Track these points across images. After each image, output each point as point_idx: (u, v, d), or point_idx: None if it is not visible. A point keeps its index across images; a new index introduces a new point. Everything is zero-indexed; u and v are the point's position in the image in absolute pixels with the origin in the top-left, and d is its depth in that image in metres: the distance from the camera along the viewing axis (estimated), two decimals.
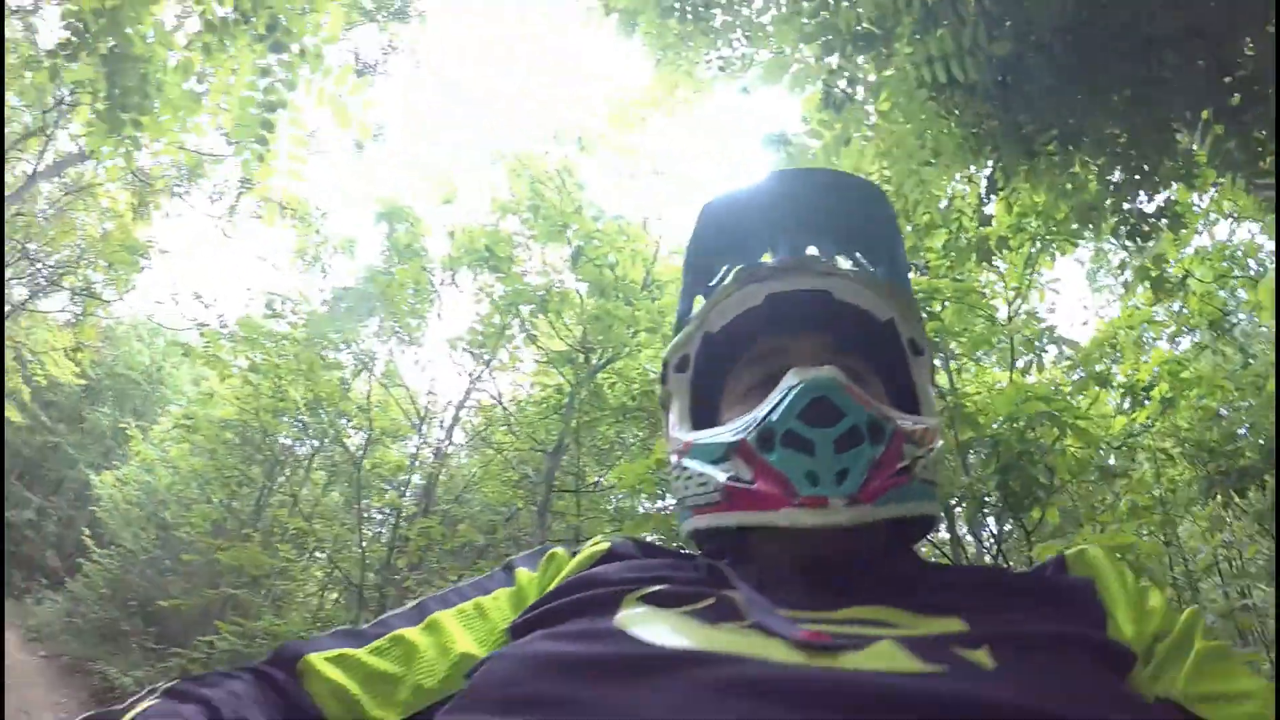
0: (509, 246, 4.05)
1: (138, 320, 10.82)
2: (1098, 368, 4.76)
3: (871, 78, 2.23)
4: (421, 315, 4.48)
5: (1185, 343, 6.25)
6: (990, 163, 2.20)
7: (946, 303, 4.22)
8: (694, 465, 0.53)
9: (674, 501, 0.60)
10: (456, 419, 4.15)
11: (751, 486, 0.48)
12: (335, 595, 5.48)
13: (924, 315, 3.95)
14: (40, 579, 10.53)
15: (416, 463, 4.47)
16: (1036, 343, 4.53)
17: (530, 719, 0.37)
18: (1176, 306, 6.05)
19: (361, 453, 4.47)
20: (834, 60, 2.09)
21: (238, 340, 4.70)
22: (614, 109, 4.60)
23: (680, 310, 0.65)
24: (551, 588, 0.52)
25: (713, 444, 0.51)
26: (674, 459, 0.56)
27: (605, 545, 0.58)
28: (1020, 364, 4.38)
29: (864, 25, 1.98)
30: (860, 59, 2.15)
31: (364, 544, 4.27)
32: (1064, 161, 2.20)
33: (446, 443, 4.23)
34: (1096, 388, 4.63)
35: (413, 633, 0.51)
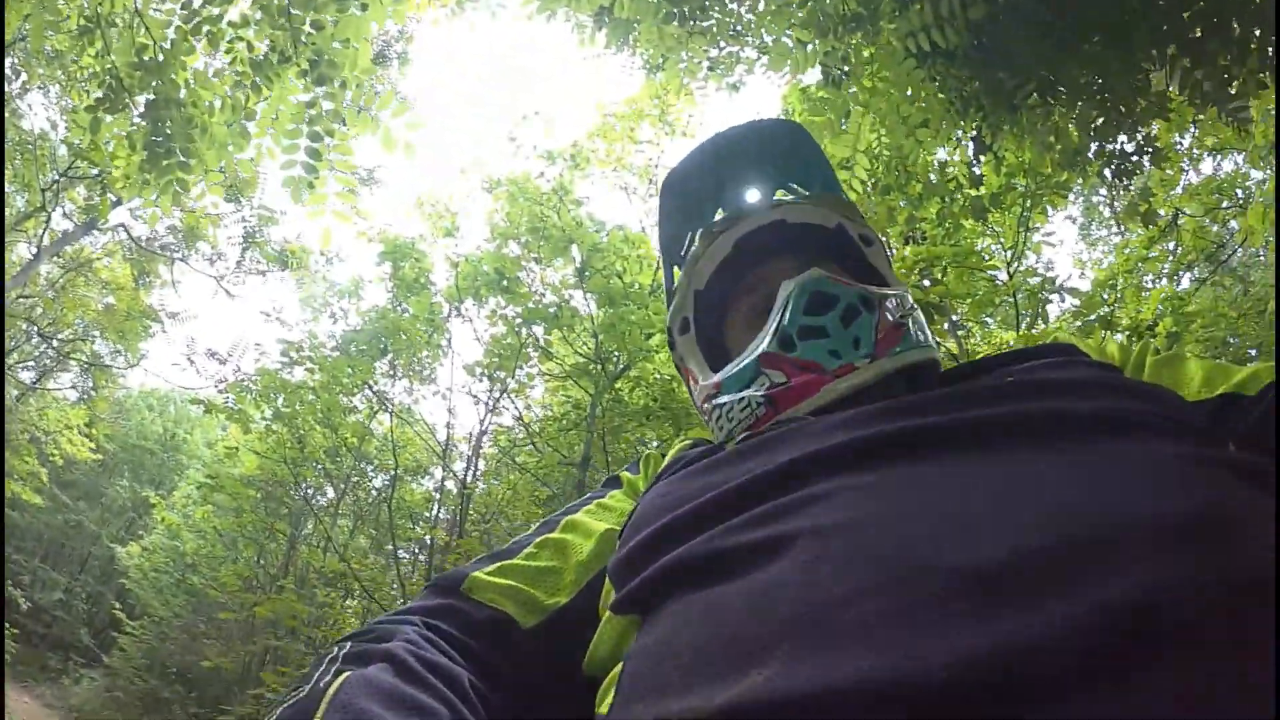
0: (516, 267, 4.10)
1: (146, 390, 10.86)
2: (1101, 312, 4.80)
3: (863, 53, 2.32)
4: (436, 347, 4.52)
5: (1184, 281, 6.31)
6: (976, 124, 2.28)
7: (948, 268, 4.27)
8: (729, 398, 0.58)
9: None
10: (479, 446, 4.19)
11: (789, 384, 0.54)
12: None
13: (926, 282, 3.99)
14: (75, 658, 10.48)
15: (441, 495, 4.49)
16: (1040, 295, 4.58)
17: (688, 505, 0.43)
18: (1171, 246, 6.11)
19: (390, 490, 4.49)
20: (830, 43, 2.18)
21: (257, 392, 4.73)
22: (603, 124, 4.69)
23: (667, 285, 0.73)
24: (656, 475, 0.57)
25: (740, 370, 0.58)
26: (708, 406, 0.61)
27: (688, 441, 0.64)
28: (1025, 321, 4.43)
29: (849, 7, 2.07)
30: (850, 40, 2.23)
31: (400, 580, 4.28)
32: (1045, 112, 2.27)
33: (471, 471, 4.26)
34: (1103, 332, 4.67)
35: (555, 535, 0.55)
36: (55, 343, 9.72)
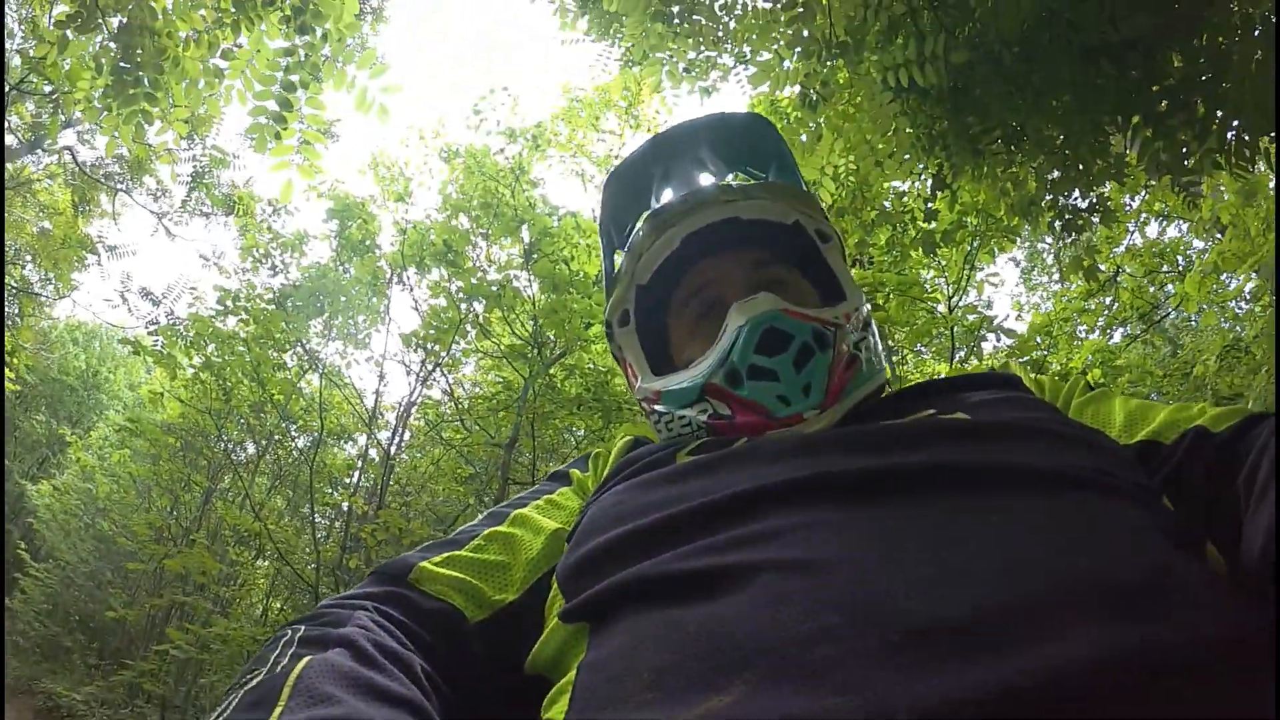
0: (465, 241, 4.03)
1: (74, 323, 10.33)
2: (1035, 355, 5.00)
3: (841, 78, 2.37)
4: (374, 312, 4.41)
5: (1117, 335, 6.61)
6: (939, 162, 2.34)
7: (890, 296, 4.37)
8: (671, 409, 0.57)
9: None
10: (406, 416, 4.12)
11: (733, 419, 0.53)
12: (285, 597, 5.35)
13: (870, 305, 4.10)
14: None
15: (364, 463, 4.40)
16: (977, 332, 4.73)
17: (642, 520, 0.43)
18: (1108, 301, 6.38)
19: (312, 453, 4.38)
20: (811, 65, 2.22)
21: (188, 338, 4.54)
22: (569, 108, 4.65)
23: (606, 269, 0.70)
24: (605, 475, 0.57)
25: (682, 389, 0.56)
26: (648, 407, 0.60)
27: (630, 436, 0.63)
28: (959, 355, 4.57)
29: (837, 34, 2.11)
30: (830, 64, 2.28)
31: (315, 545, 4.19)
32: (1006, 160, 2.35)
33: (396, 441, 4.19)
34: (1033, 375, 4.85)
35: (503, 529, 0.54)
36: None
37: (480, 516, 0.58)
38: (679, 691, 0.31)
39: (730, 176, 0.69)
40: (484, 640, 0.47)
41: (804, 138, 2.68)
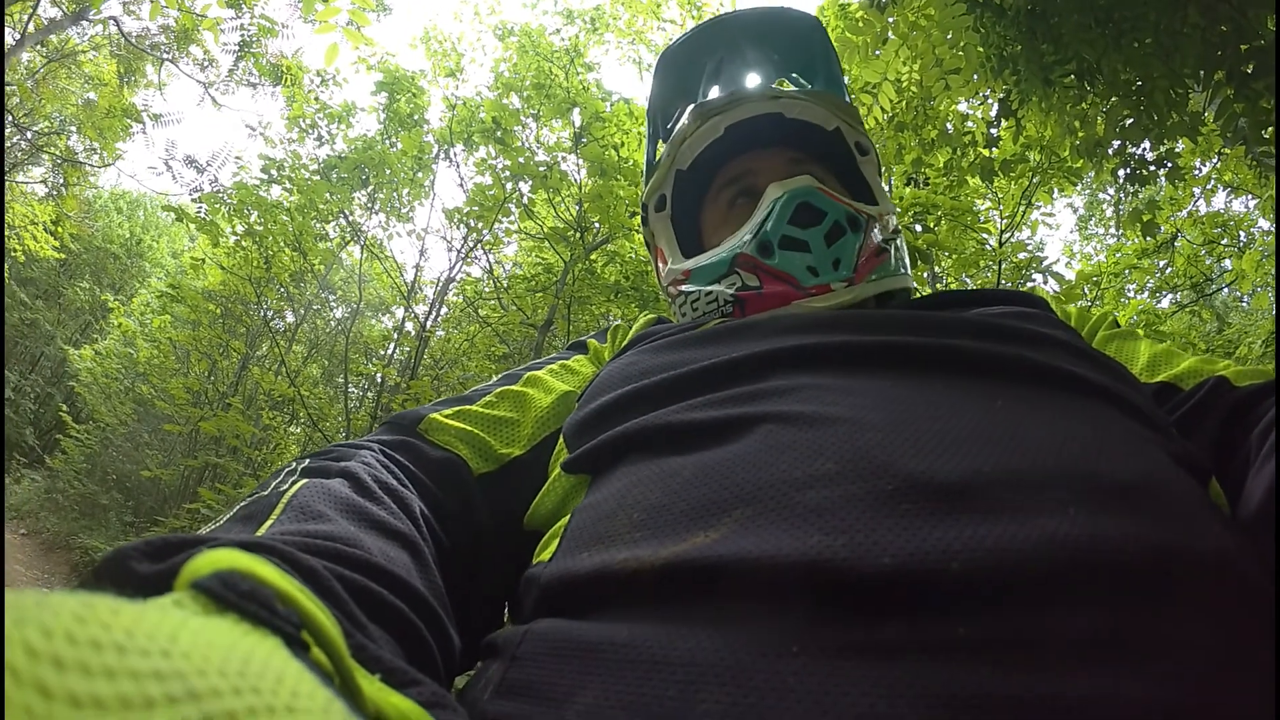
0: (515, 120, 3.97)
1: (117, 192, 10.47)
2: (1079, 304, 4.88)
3: None
4: (419, 186, 4.41)
5: (1165, 301, 6.42)
6: (1007, 87, 2.23)
7: (942, 220, 4.26)
8: (698, 287, 0.57)
9: None
10: (444, 292, 4.16)
11: (760, 290, 0.53)
12: None
13: (918, 227, 3.99)
14: (18, 457, 10.55)
15: (399, 335, 4.49)
16: (1025, 270, 4.61)
17: (651, 378, 0.44)
18: (1162, 265, 6.17)
19: (349, 323, 4.48)
20: None
21: (231, 205, 4.59)
22: None
23: (648, 157, 0.70)
24: (622, 347, 0.57)
25: (713, 263, 0.56)
26: (674, 290, 0.60)
27: (653, 316, 0.64)
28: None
29: None
30: None
31: (347, 413, 4.34)
32: (1078, 96, 2.24)
33: (433, 316, 4.25)
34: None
35: (516, 387, 0.54)
36: (30, 135, 9.23)
37: (495, 378, 0.58)
38: (666, 528, 0.31)
39: (777, 81, 0.70)
40: (488, 493, 0.47)
41: (869, 40, 2.56)
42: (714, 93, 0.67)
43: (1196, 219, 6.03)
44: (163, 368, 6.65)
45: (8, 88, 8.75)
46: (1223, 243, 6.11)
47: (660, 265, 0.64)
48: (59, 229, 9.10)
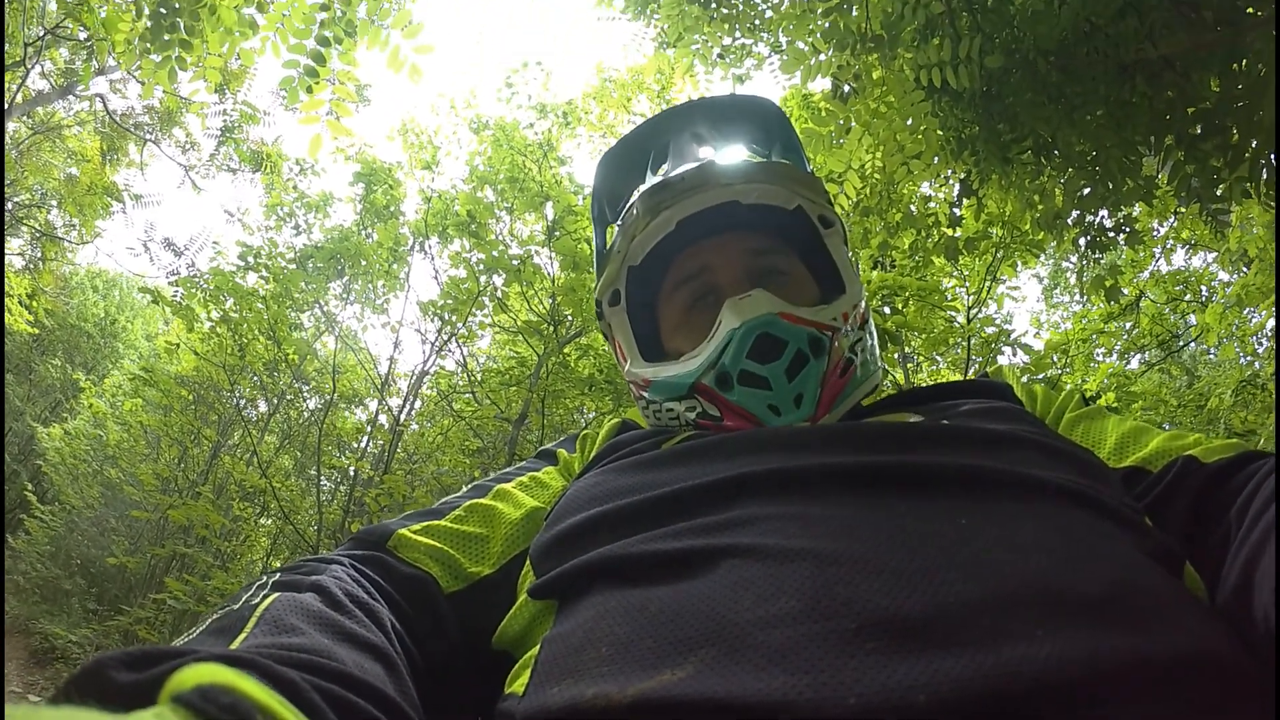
0: (489, 214, 4.04)
1: (94, 270, 10.43)
2: (1049, 374, 4.95)
3: (874, 74, 2.36)
4: (394, 278, 4.44)
5: (1134, 361, 6.55)
6: (967, 167, 2.32)
7: (910, 300, 4.34)
8: (660, 399, 0.57)
9: None
10: (418, 385, 4.13)
11: (721, 420, 0.53)
12: (285, 556, 5.41)
13: (886, 309, 4.07)
14: None
15: (372, 428, 4.44)
16: (994, 345, 4.69)
17: (617, 502, 0.43)
18: (1128, 326, 6.32)
19: (323, 414, 4.41)
20: (844, 57, 2.21)
21: (208, 291, 4.58)
22: (601, 87, 4.63)
23: (597, 244, 0.68)
24: (591, 458, 0.57)
25: (671, 382, 0.55)
26: (636, 392, 0.60)
27: (619, 420, 0.63)
28: (974, 367, 4.54)
29: (872, 28, 2.10)
30: (865, 59, 2.27)
31: (319, 506, 4.23)
32: (1035, 171, 2.33)
33: (406, 409, 4.21)
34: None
35: (485, 501, 0.54)
36: (10, 205, 9.24)
37: (465, 488, 0.58)
38: (634, 663, 0.32)
39: (731, 152, 0.67)
40: (457, 611, 0.47)
41: (832, 130, 2.67)
42: (664, 170, 0.63)
43: (1159, 278, 6.22)
44: (132, 452, 6.48)
45: None
46: (1185, 299, 6.29)
47: (621, 359, 0.63)
48: (34, 303, 9.01)
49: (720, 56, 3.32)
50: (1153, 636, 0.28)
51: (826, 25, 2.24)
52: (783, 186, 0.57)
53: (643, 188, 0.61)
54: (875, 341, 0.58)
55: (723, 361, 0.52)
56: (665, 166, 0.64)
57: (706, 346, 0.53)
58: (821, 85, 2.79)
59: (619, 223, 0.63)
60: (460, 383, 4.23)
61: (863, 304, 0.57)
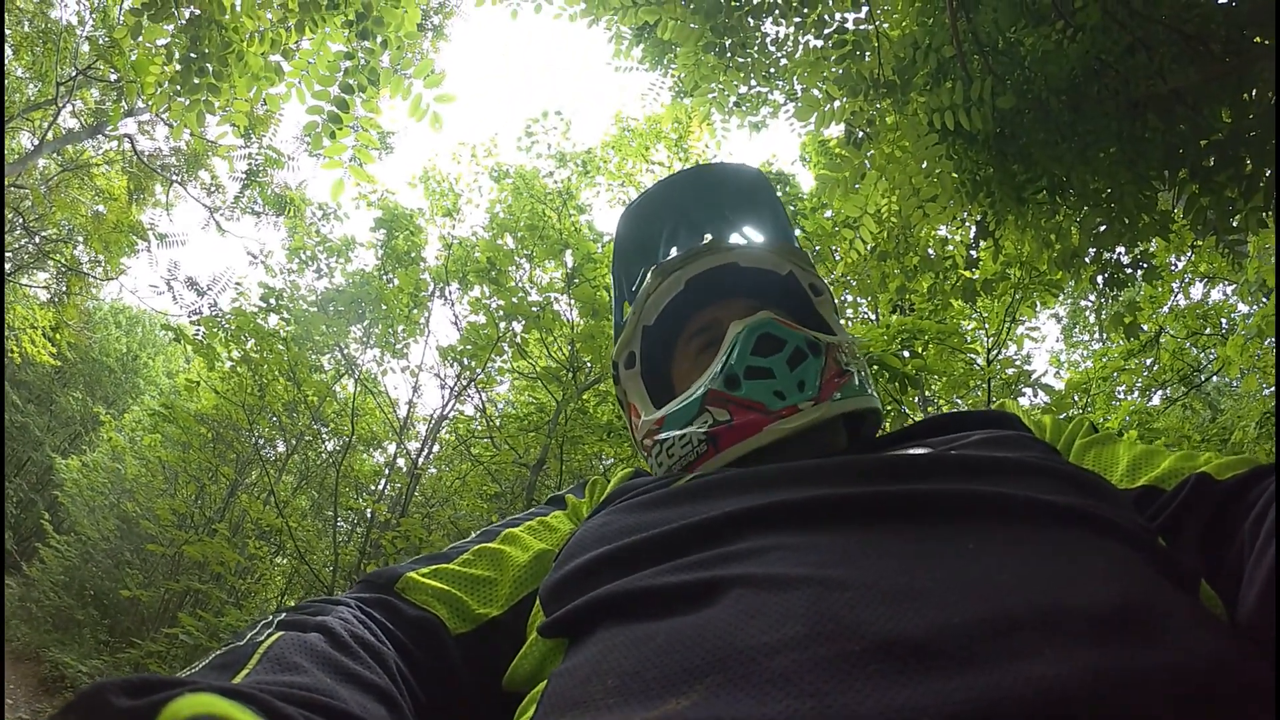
0: (509, 261, 4.09)
1: (118, 305, 10.63)
2: (1071, 413, 4.89)
3: (888, 119, 2.38)
4: (414, 323, 4.49)
5: (1156, 398, 6.46)
6: (983, 209, 2.33)
7: (929, 344, 4.33)
8: (671, 434, 0.59)
9: None
10: (437, 429, 4.15)
11: (731, 423, 0.55)
12: (300, 595, 5.39)
13: (906, 353, 4.05)
14: None
15: (390, 471, 4.44)
16: (1014, 386, 4.65)
17: (624, 540, 0.44)
18: (1149, 362, 6.25)
19: (341, 456, 4.43)
20: (858, 103, 2.24)
21: (229, 331, 4.65)
22: (620, 136, 4.72)
23: (616, 320, 0.74)
24: (600, 501, 0.58)
25: (684, 406, 0.59)
26: (649, 442, 0.62)
27: (630, 470, 0.65)
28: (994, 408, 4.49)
29: (885, 74, 2.12)
30: (878, 104, 2.29)
31: (335, 547, 4.22)
32: (1051, 210, 2.33)
33: (425, 453, 4.22)
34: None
35: (493, 545, 0.55)
36: (38, 239, 9.50)
37: (474, 534, 0.59)
38: (640, 693, 0.32)
39: (731, 237, 0.75)
40: (465, 653, 0.47)
41: (847, 175, 2.69)
42: (673, 253, 0.72)
43: (1178, 313, 6.16)
44: (150, 486, 6.53)
45: (20, 190, 9.09)
46: (1205, 332, 6.22)
47: (634, 420, 0.65)
48: (57, 336, 9.19)
49: (736, 104, 3.38)
50: (1161, 652, 0.28)
51: (840, 72, 2.27)
52: (776, 255, 0.65)
53: (654, 266, 0.68)
54: (869, 377, 0.62)
55: (730, 362, 0.56)
56: (674, 250, 0.72)
57: (716, 359, 0.58)
58: (837, 131, 2.83)
59: (633, 296, 0.69)
60: (479, 427, 4.25)
61: (854, 347, 0.62)
